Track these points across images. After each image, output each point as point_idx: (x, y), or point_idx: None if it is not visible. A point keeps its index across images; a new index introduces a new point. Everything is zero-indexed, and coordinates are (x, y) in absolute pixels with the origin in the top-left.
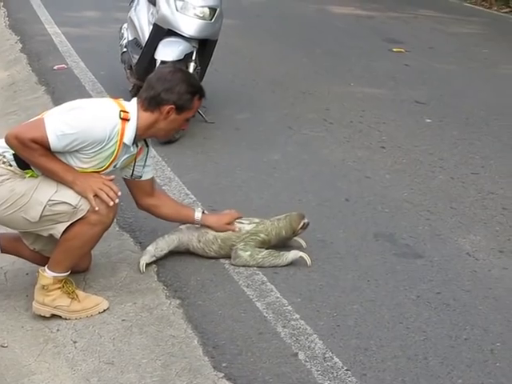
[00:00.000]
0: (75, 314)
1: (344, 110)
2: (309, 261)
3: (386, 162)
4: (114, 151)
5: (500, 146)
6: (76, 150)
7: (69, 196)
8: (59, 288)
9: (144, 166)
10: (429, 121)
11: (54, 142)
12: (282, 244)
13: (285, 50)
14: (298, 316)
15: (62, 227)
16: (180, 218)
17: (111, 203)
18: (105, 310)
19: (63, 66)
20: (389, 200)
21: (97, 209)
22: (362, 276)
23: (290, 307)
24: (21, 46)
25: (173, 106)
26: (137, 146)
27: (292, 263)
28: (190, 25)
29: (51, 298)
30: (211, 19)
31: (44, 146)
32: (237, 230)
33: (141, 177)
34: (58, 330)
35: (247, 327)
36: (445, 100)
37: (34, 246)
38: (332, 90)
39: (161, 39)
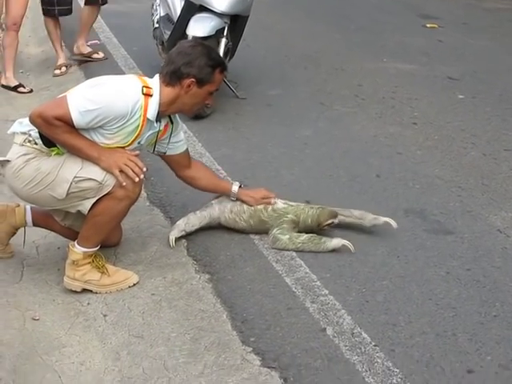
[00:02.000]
0: (105, 287)
1: (376, 86)
2: (352, 248)
3: (418, 138)
4: (137, 126)
5: None
6: (99, 126)
7: (94, 172)
8: (89, 263)
9: (168, 143)
10: (461, 97)
11: (78, 119)
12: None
13: (317, 26)
14: (326, 291)
15: (88, 203)
16: (217, 191)
17: (136, 179)
18: (134, 284)
19: (96, 41)
20: (420, 176)
21: (124, 184)
22: (391, 252)
23: (318, 282)
24: None
25: (193, 80)
26: (160, 123)
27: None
28: (222, 0)
29: (81, 272)
30: None
31: (68, 123)
32: (272, 202)
33: (165, 153)
34: (88, 304)
35: (276, 302)
36: (478, 76)
37: (65, 222)
38: (364, 66)
39: (192, 15)
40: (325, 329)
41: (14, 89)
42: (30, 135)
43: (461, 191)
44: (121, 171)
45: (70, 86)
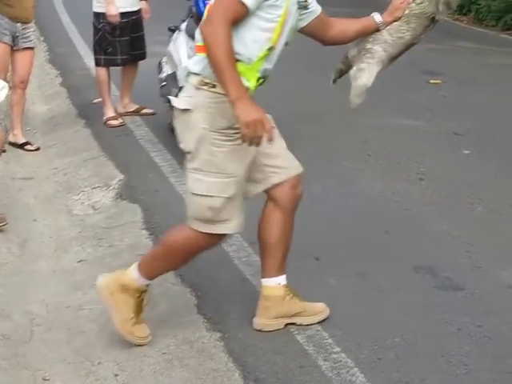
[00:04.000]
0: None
1: (382, 142)
2: None
3: (425, 193)
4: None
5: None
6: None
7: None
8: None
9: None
10: (467, 152)
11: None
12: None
13: (321, 83)
14: (338, 349)
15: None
16: (365, 31)
17: (261, 136)
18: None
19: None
20: (428, 232)
21: (242, 139)
22: (402, 309)
23: (330, 340)
24: (61, 80)
25: None
26: None
27: (331, 296)
28: None
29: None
30: None
31: (237, 16)
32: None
33: (308, 23)
34: (99, 363)
35: (288, 360)
36: (483, 131)
37: None
38: (370, 123)
39: None
40: None
41: (21, 146)
42: (204, 76)
43: (469, 247)
44: (247, 129)
45: (78, 144)
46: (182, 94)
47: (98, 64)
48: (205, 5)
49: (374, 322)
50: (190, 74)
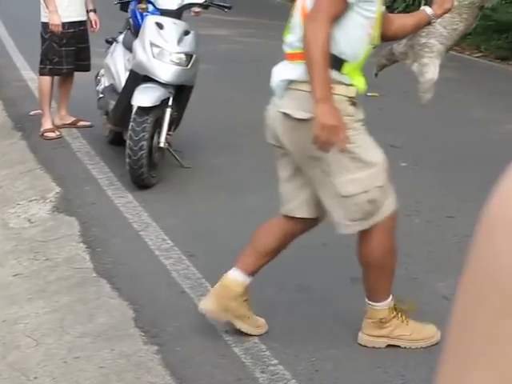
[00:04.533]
0: (416, 343)
1: None
2: None
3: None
4: None
5: (475, 190)
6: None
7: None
8: (395, 317)
9: None
10: (404, 164)
11: None
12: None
13: (260, 95)
14: (276, 361)
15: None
16: (420, 24)
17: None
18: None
19: (39, 111)
20: None
21: (321, 136)
22: (339, 320)
23: (268, 352)
24: None
25: None
26: None
27: (269, 309)
28: (167, 71)
29: (390, 329)
30: (187, 65)
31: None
32: None
33: None
34: (35, 378)
35: (226, 373)
36: (419, 144)
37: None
38: None
39: (137, 85)
40: None
41: None
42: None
43: (406, 258)
44: (321, 130)
45: (14, 156)
46: (289, 104)
47: (42, 73)
48: (142, 17)
49: (311, 333)
50: (298, 82)
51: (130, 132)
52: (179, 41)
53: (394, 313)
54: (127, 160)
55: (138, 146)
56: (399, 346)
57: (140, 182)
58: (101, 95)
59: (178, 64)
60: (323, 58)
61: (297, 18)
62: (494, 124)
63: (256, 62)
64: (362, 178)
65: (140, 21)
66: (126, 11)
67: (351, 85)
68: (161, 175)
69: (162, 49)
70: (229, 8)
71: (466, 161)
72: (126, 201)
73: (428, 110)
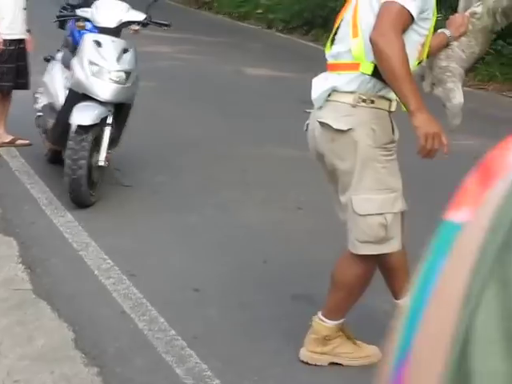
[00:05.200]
0: (359, 360)
1: (261, 172)
2: None
3: (304, 222)
4: None
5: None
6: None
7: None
8: (340, 336)
9: None
10: None
11: (414, 8)
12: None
13: (201, 112)
14: (218, 381)
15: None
16: (441, 45)
17: (438, 149)
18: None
19: None
20: (306, 261)
21: (425, 147)
22: (281, 338)
23: (209, 372)
24: None
25: None
26: None
27: (211, 328)
28: (105, 89)
29: (332, 346)
30: (127, 83)
31: (405, 28)
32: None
33: None
34: None
35: None
36: None
37: None
38: (248, 152)
39: (76, 103)
40: None
41: None
42: (361, 94)
43: None
44: (426, 140)
45: None
46: (329, 114)
47: None
48: (80, 35)
49: (254, 352)
50: (340, 93)
51: (68, 151)
52: (118, 59)
53: (340, 332)
54: (66, 179)
55: (77, 164)
56: (341, 364)
57: (79, 201)
58: (39, 113)
59: (117, 82)
60: (406, 70)
61: (345, 30)
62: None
63: (196, 79)
64: (379, 200)
65: (78, 39)
66: (64, 29)
67: (394, 100)
68: (100, 194)
69: (101, 67)
70: (168, 26)
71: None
72: (65, 220)
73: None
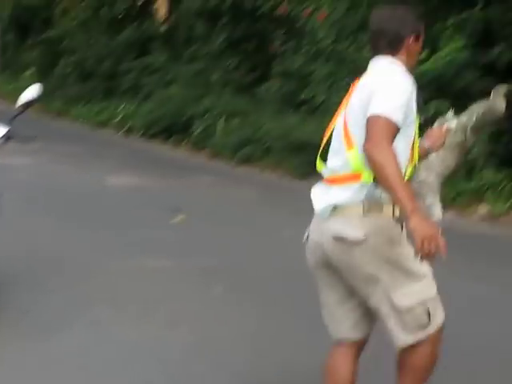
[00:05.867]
0: None
1: (132, 285)
2: None
3: (180, 338)
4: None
5: (290, 315)
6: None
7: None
8: None
9: None
10: (218, 290)
11: (398, 117)
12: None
13: (65, 226)
14: None
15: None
16: (423, 155)
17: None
18: None
19: None
20: (189, 377)
21: (424, 248)
22: None
23: None
24: None
25: (413, 36)
26: None
27: None
28: None
29: None
30: None
31: (393, 138)
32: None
33: None
34: None
35: None
36: (230, 268)
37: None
38: (118, 265)
39: None
40: None
41: None
42: (368, 201)
43: None
44: (422, 246)
45: None
46: (341, 226)
47: None
48: None
49: None
50: (347, 204)
51: None
52: None
53: None
54: None
55: None
56: None
57: None
58: None
59: None
60: (399, 175)
61: (338, 144)
62: (302, 245)
63: (57, 190)
64: (416, 291)
65: None
66: None
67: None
68: None
69: None
70: (33, 139)
71: (279, 282)
72: None
73: (236, 232)
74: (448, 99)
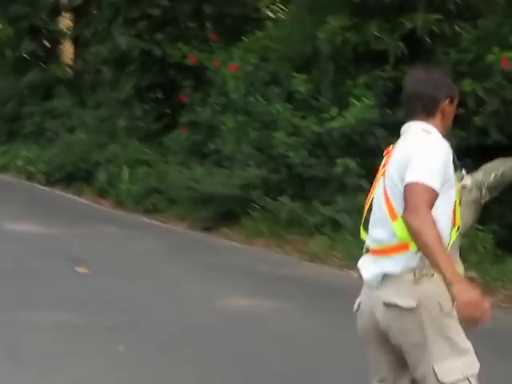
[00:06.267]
0: None
1: (34, 342)
2: None
3: None
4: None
5: (197, 373)
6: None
7: None
8: None
9: None
10: (122, 349)
11: (437, 184)
12: None
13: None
14: None
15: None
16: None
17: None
18: None
19: None
20: None
21: (468, 314)
22: None
23: None
24: None
25: (448, 100)
26: None
27: None
28: None
29: None
30: None
31: (432, 204)
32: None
33: None
34: None
35: None
36: (135, 324)
37: None
38: (19, 319)
39: None
40: None
41: None
42: (419, 269)
43: None
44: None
45: None
46: (393, 294)
47: None
48: None
49: None
50: (398, 274)
51: None
52: None
53: None
54: None
55: None
56: None
57: None
58: None
59: None
60: (438, 242)
61: (382, 214)
62: (208, 299)
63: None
64: (461, 366)
65: None
66: None
67: None
68: None
69: None
70: None
71: (182, 340)
72: None
73: (140, 286)
74: (355, 157)
